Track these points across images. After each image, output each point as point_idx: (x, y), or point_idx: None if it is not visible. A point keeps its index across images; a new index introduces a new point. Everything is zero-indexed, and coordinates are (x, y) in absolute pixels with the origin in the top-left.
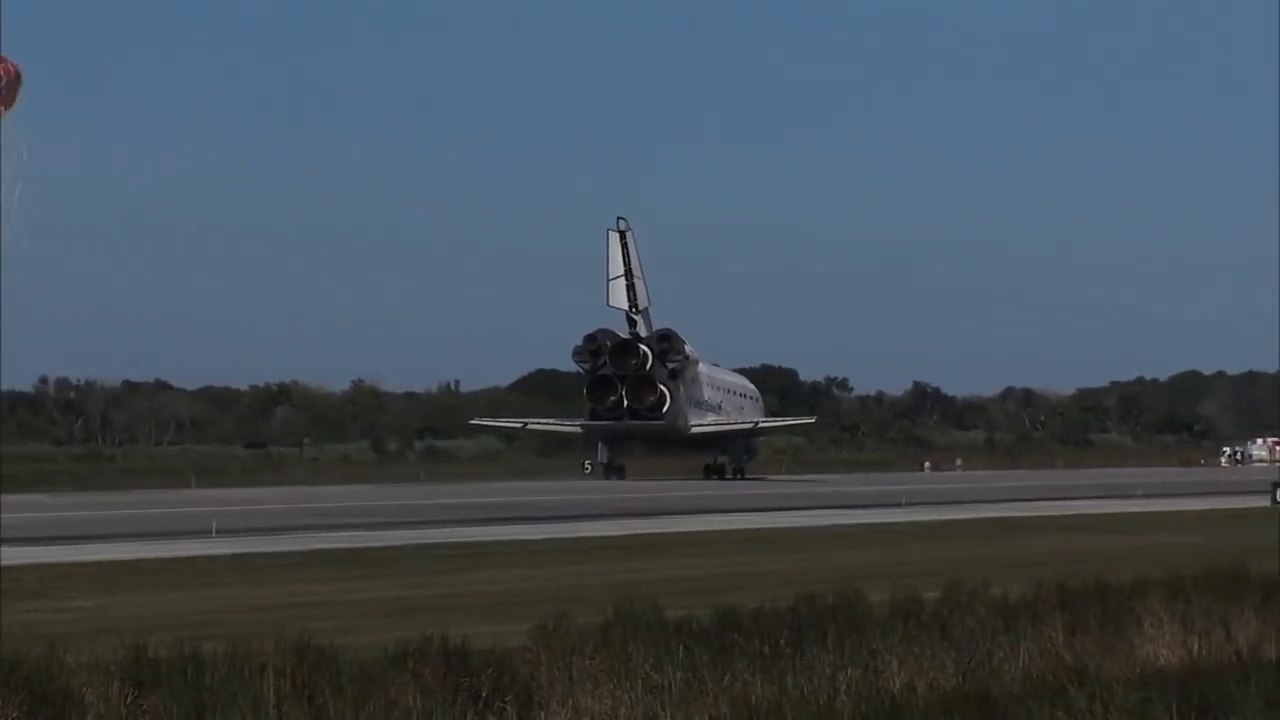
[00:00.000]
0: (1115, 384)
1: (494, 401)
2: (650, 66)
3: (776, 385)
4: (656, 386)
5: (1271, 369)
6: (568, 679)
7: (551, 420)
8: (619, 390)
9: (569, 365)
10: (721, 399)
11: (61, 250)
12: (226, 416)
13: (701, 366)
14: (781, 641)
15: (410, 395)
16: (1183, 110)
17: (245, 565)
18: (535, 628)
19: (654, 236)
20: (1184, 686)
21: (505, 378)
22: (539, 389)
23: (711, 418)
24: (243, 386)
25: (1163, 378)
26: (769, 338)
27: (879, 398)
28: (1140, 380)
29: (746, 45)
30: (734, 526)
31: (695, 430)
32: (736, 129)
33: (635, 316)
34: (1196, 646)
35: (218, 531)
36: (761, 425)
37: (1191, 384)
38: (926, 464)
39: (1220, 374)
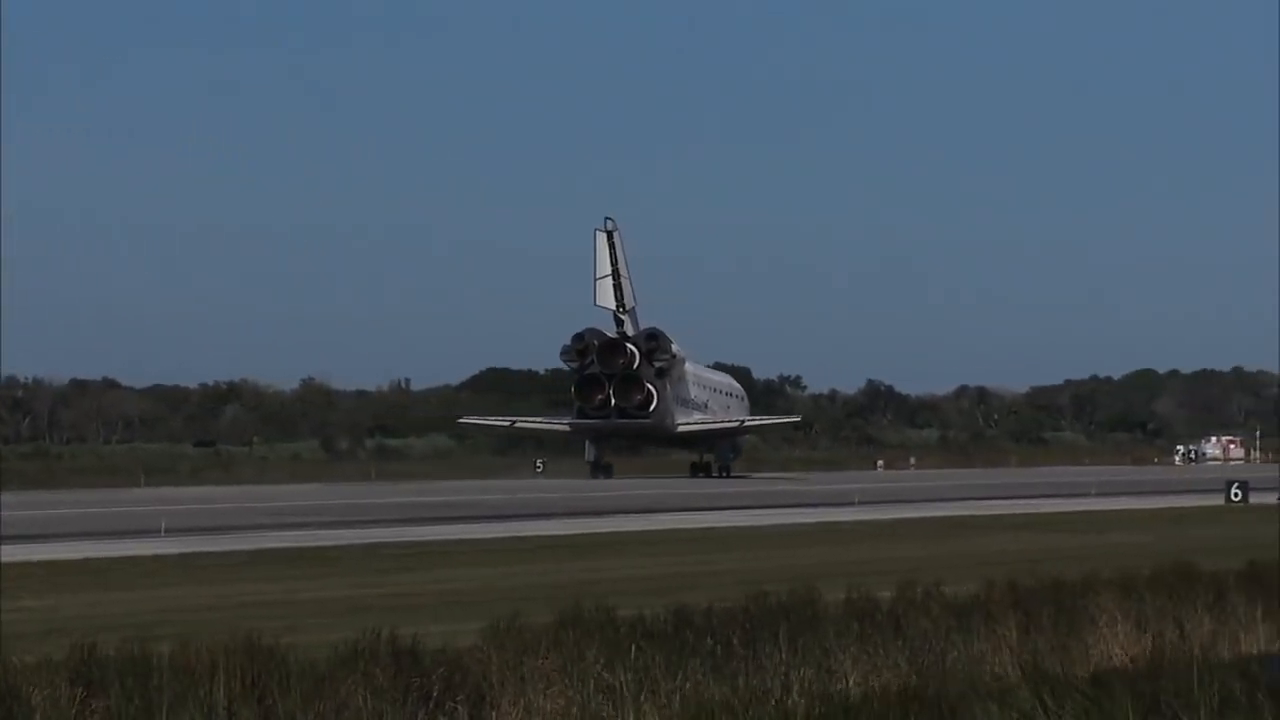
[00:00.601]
0: (1069, 382)
1: (445, 400)
2: (629, 67)
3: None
4: (644, 385)
5: (1225, 368)
6: (519, 679)
7: (540, 419)
8: (606, 389)
9: (520, 363)
10: (708, 398)
11: (7, 248)
12: (175, 415)
13: (688, 365)
14: (735, 641)
15: (361, 393)
16: (1141, 110)
17: (194, 565)
18: (487, 627)
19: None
20: (1138, 685)
21: (455, 376)
22: (491, 387)
23: (698, 416)
24: (192, 385)
25: (1117, 376)
26: (722, 335)
27: (832, 396)
28: (1094, 378)
29: (719, 45)
30: (687, 525)
31: (682, 429)
32: (699, 127)
33: (623, 316)
34: (1150, 645)
35: (166, 531)
36: (747, 424)
37: (1145, 382)
38: (880, 463)
39: (1174, 373)
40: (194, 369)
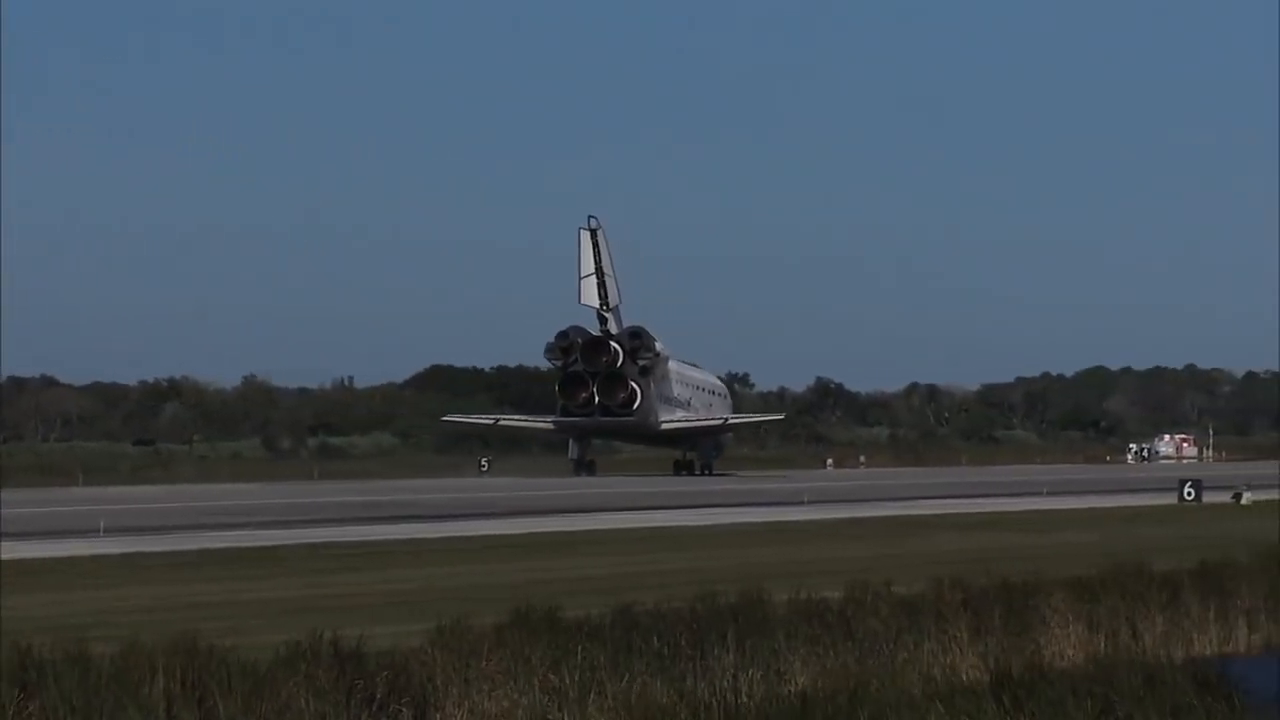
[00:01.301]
0: (1021, 380)
1: (388, 398)
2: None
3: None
4: (627, 383)
5: (1178, 365)
6: (464, 681)
7: (523, 417)
8: (590, 387)
9: (466, 360)
10: (691, 395)
11: None
12: (115, 413)
13: (671, 363)
14: (682, 642)
15: (303, 391)
16: (1097, 105)
17: (134, 565)
18: (431, 629)
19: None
20: (1091, 686)
21: (399, 374)
22: (437, 385)
23: (681, 414)
24: (131, 382)
25: (1069, 374)
26: (667, 333)
27: (781, 394)
28: (1046, 376)
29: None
30: (635, 525)
31: (665, 427)
32: (652, 120)
33: (606, 314)
34: (1103, 646)
35: (106, 530)
36: (731, 421)
37: (1098, 380)
38: (829, 461)
39: (1127, 370)
40: (133, 366)
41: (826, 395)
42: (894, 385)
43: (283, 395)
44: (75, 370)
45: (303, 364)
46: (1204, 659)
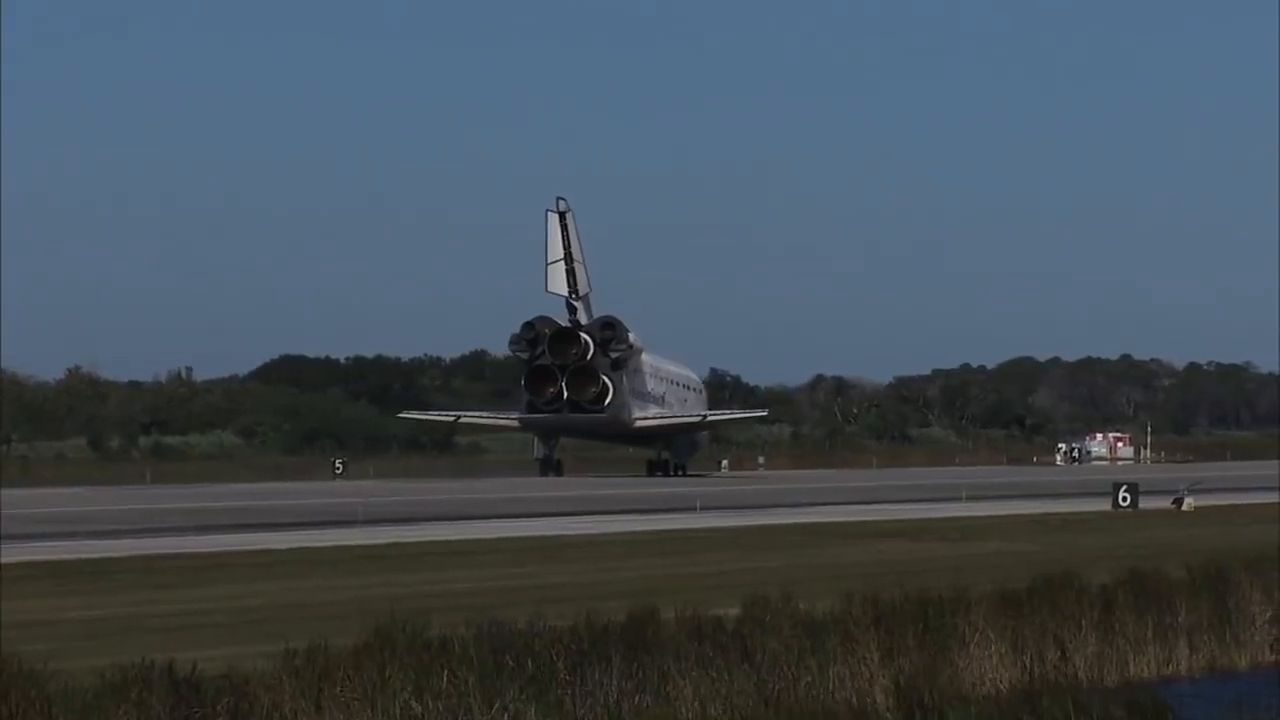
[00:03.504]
0: (938, 372)
1: (230, 393)
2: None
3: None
4: (598, 377)
5: (1112, 355)
6: (315, 708)
7: (486, 413)
8: (558, 381)
9: (317, 350)
10: (665, 391)
11: None
12: None
13: (645, 356)
14: (560, 664)
15: (134, 385)
16: (1021, 79)
17: None
18: (279, 650)
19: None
20: (1014, 714)
21: (243, 365)
22: (286, 378)
23: (655, 410)
24: None
25: (991, 365)
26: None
27: None
28: (966, 368)
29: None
30: (511, 534)
31: (639, 424)
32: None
33: (575, 303)
34: (1028, 668)
35: None
36: (710, 418)
37: (1023, 372)
38: (724, 462)
39: (1055, 361)
40: None
41: (721, 389)
42: (797, 378)
43: (112, 389)
44: None
45: (134, 354)
46: (1141, 682)
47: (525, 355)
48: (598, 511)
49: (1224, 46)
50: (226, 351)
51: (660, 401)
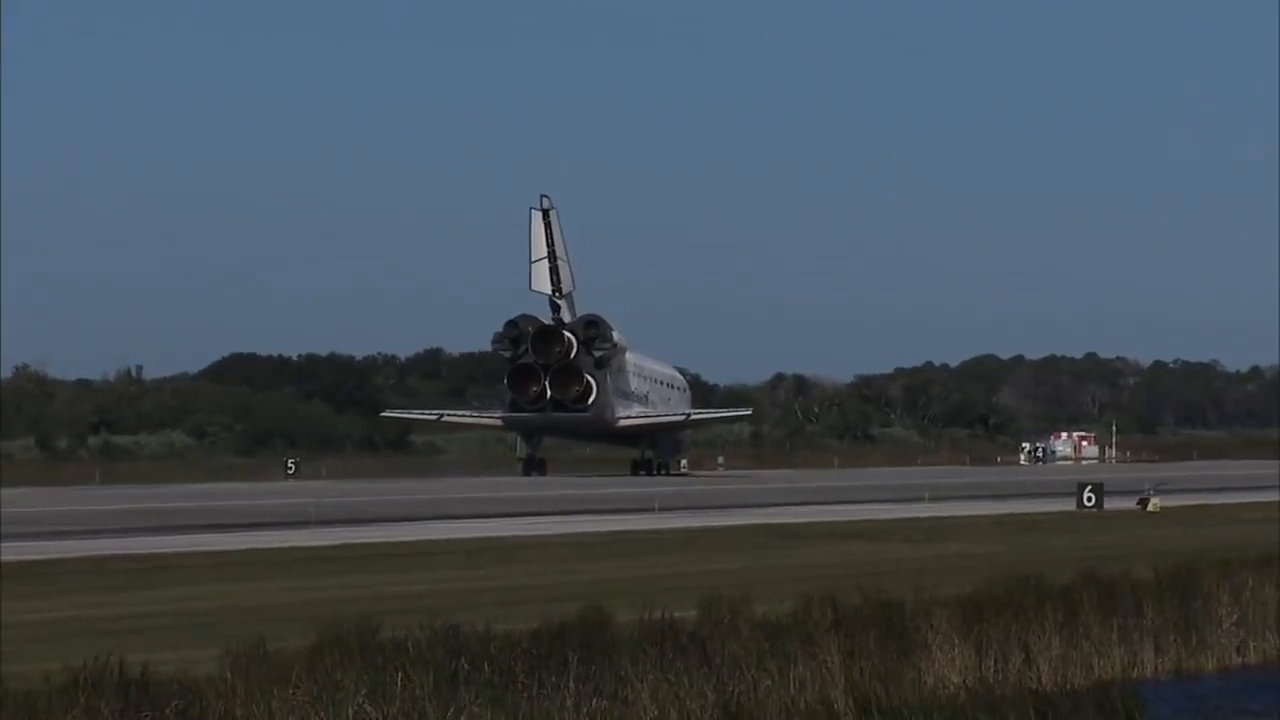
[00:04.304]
0: (900, 371)
1: (181, 392)
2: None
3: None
4: (582, 376)
5: (1076, 354)
6: (267, 712)
7: (468, 412)
8: (541, 380)
9: (268, 348)
10: (649, 390)
11: None
12: None
13: (629, 355)
14: (517, 668)
15: (82, 383)
16: (985, 73)
17: None
18: (230, 653)
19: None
20: (977, 717)
21: (194, 364)
22: (237, 376)
23: (639, 410)
24: None
25: (954, 363)
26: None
27: None
28: (929, 366)
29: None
30: (466, 535)
31: (623, 423)
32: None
33: (559, 301)
34: (992, 671)
35: None
36: (694, 417)
37: (986, 371)
38: (683, 462)
39: (1019, 359)
40: None
41: None
42: (757, 376)
43: (60, 388)
44: None
45: (82, 352)
46: (1106, 685)
47: (508, 354)
48: (554, 512)
49: (1219, 45)
50: (177, 349)
51: (644, 401)
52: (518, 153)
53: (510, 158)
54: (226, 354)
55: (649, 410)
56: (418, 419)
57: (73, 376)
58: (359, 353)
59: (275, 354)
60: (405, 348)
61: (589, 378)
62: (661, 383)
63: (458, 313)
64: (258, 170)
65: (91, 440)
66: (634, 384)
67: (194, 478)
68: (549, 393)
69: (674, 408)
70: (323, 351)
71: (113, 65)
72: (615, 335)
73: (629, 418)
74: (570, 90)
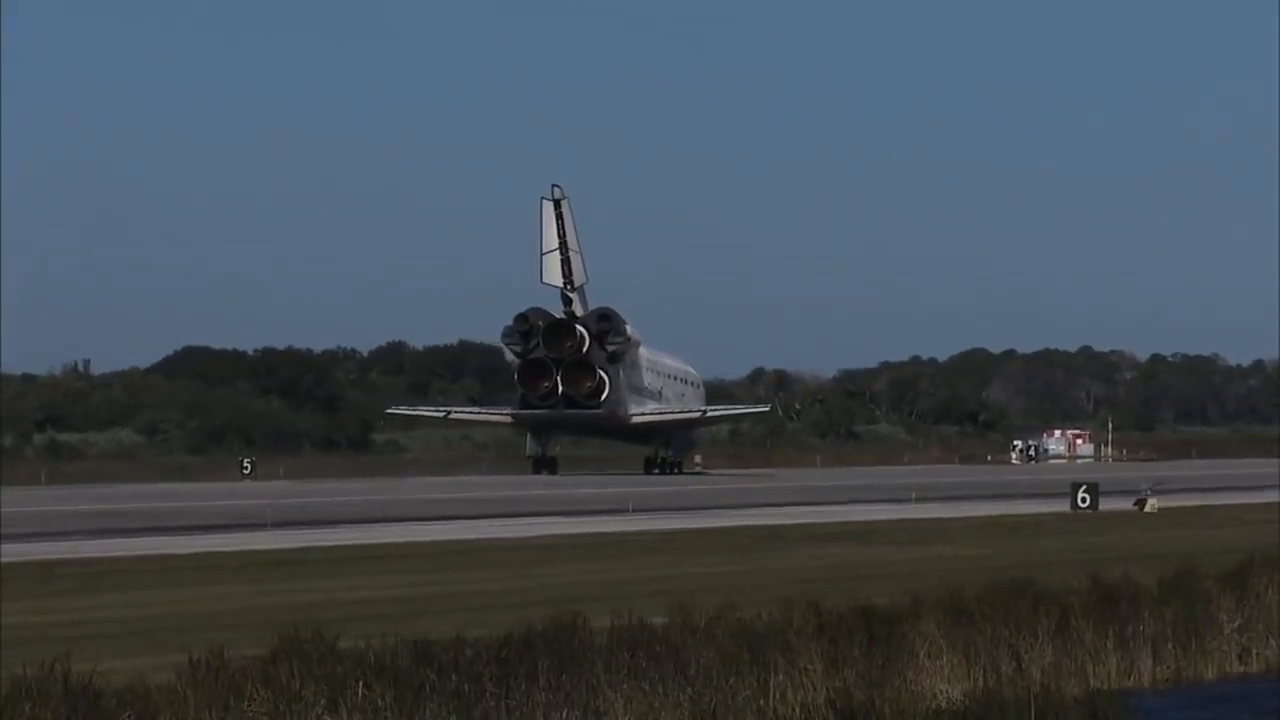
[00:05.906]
0: (886, 365)
1: (131, 387)
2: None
3: (479, 366)
4: (594, 371)
5: (1070, 348)
6: None
7: (478, 409)
8: (553, 376)
9: (222, 341)
10: (663, 385)
11: None
12: None
13: (643, 349)
14: (484, 677)
15: (28, 379)
16: (974, 64)
17: None
18: (184, 662)
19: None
20: None
21: (145, 358)
22: (190, 371)
23: (652, 406)
24: None
25: (942, 358)
26: (472, 312)
27: None
28: (916, 361)
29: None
30: (431, 538)
31: (636, 420)
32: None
33: (570, 294)
34: (982, 679)
35: None
36: (710, 414)
37: (976, 365)
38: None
39: (1010, 353)
40: None
41: None
42: (736, 372)
43: (4, 383)
44: None
45: (28, 347)
46: (1101, 694)
47: (519, 349)
48: (522, 514)
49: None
50: (126, 343)
51: (658, 396)
52: (502, 141)
53: (493, 146)
54: (179, 347)
55: (663, 406)
56: (424, 415)
57: (18, 371)
58: (318, 346)
59: (230, 348)
60: (366, 341)
61: (601, 373)
62: (675, 378)
63: (420, 305)
64: (212, 158)
65: (37, 438)
66: (647, 379)
67: (145, 477)
68: (560, 388)
69: (688, 404)
70: (280, 345)
71: (105, 62)
72: (628, 329)
73: (642, 414)
74: (567, 83)
